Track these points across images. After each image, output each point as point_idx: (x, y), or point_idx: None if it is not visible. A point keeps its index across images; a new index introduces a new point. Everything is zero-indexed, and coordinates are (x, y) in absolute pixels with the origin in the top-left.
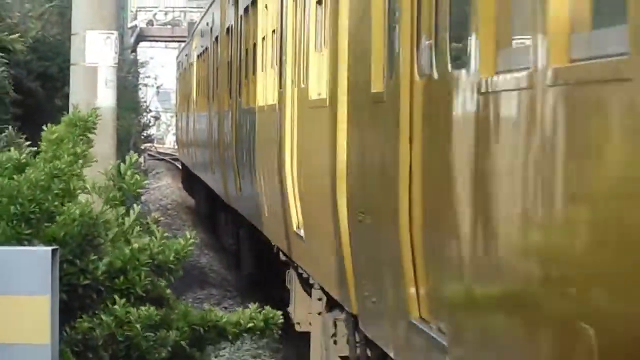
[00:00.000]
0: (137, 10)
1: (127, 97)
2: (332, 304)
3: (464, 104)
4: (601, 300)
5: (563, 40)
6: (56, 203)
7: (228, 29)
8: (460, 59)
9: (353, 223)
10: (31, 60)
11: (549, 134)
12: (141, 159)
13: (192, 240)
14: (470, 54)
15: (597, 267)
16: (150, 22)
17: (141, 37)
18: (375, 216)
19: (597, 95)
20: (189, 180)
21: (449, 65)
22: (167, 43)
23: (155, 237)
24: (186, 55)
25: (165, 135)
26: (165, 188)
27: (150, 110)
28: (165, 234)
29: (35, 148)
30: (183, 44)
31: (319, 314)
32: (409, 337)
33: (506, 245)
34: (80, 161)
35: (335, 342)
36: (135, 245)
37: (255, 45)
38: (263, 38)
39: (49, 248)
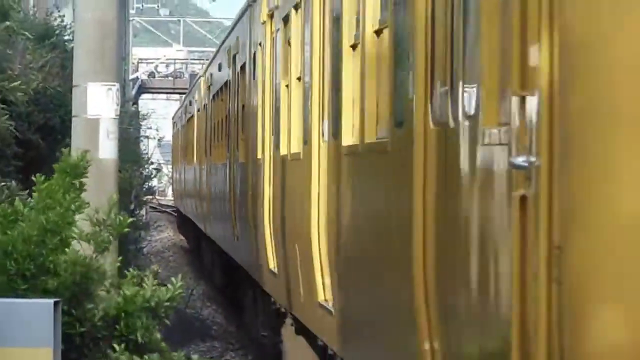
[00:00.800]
0: (138, 62)
1: (128, 149)
2: None
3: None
4: None
5: None
6: (51, 257)
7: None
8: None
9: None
10: (32, 112)
11: None
12: (143, 212)
13: (180, 284)
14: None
15: None
16: (151, 74)
17: (143, 89)
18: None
19: None
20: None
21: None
22: (168, 95)
23: (147, 285)
24: (183, 112)
25: (166, 187)
26: (167, 240)
27: (152, 162)
28: (156, 281)
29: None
30: (175, 110)
31: None
32: None
33: None
34: (73, 207)
35: None
36: (128, 292)
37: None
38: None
39: (51, 300)
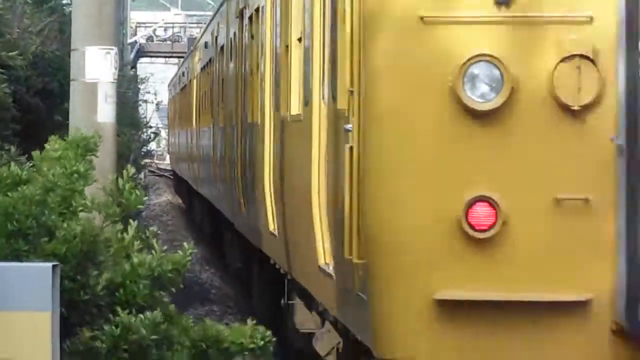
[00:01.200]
0: (136, 26)
1: (127, 113)
2: None
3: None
4: None
5: None
6: (53, 217)
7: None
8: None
9: None
10: (31, 76)
11: None
12: (141, 175)
13: (190, 251)
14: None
15: None
16: (150, 38)
17: (141, 52)
18: None
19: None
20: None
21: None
22: (167, 59)
23: (155, 252)
24: (177, 81)
25: (165, 151)
26: (165, 204)
27: (150, 126)
28: (164, 248)
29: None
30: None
31: None
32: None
33: None
34: (82, 180)
35: None
36: (135, 260)
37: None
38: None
39: (50, 264)
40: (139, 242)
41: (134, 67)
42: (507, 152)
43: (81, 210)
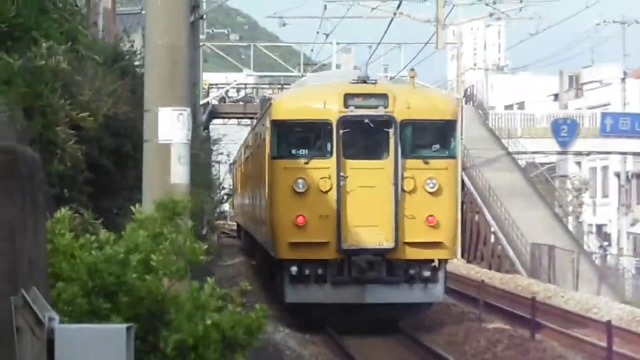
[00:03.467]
0: (209, 88)
1: (199, 174)
2: None
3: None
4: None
5: None
6: (134, 276)
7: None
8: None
9: None
10: (103, 137)
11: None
12: (214, 237)
13: (262, 313)
14: None
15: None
16: (222, 99)
17: (213, 114)
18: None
19: None
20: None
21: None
22: (239, 120)
23: (229, 311)
24: (237, 157)
25: None
26: (239, 265)
27: (224, 187)
28: (238, 309)
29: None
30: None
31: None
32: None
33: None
34: (167, 243)
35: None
36: (209, 322)
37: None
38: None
39: (124, 325)
40: (218, 299)
41: (206, 128)
42: None
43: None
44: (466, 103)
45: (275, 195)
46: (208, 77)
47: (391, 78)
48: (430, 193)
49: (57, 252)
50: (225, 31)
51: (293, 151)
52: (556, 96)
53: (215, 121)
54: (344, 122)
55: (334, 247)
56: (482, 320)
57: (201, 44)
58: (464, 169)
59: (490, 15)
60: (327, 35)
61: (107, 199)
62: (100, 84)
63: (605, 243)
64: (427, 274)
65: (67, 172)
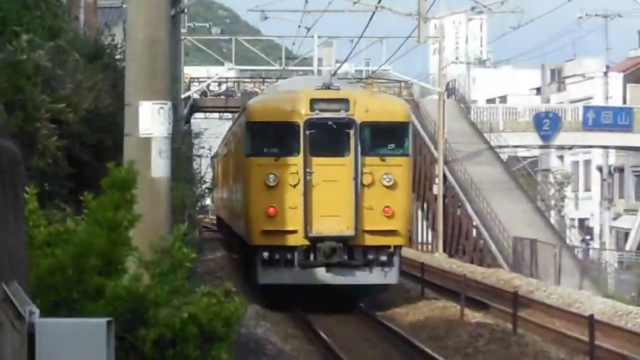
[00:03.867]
0: (190, 81)
1: (181, 167)
2: None
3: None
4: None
5: None
6: (94, 279)
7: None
8: None
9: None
10: (84, 132)
11: None
12: (196, 232)
13: (240, 304)
14: None
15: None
16: (204, 93)
17: (195, 107)
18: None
19: None
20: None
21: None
22: (221, 113)
23: (207, 303)
24: (218, 151)
25: None
26: (220, 259)
27: (205, 182)
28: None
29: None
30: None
31: None
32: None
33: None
34: (125, 224)
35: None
36: (185, 315)
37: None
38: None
39: (104, 320)
40: (199, 295)
41: (188, 122)
42: None
43: (124, 259)
44: (448, 97)
45: (250, 189)
46: (189, 71)
47: (373, 72)
48: (386, 187)
49: (31, 246)
50: (207, 25)
51: (265, 149)
52: (538, 90)
53: (196, 115)
54: (310, 123)
55: (301, 234)
56: (464, 314)
57: (182, 37)
58: (445, 162)
59: (472, 8)
60: (309, 29)
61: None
62: (82, 78)
63: (588, 237)
64: (383, 258)
65: (48, 167)
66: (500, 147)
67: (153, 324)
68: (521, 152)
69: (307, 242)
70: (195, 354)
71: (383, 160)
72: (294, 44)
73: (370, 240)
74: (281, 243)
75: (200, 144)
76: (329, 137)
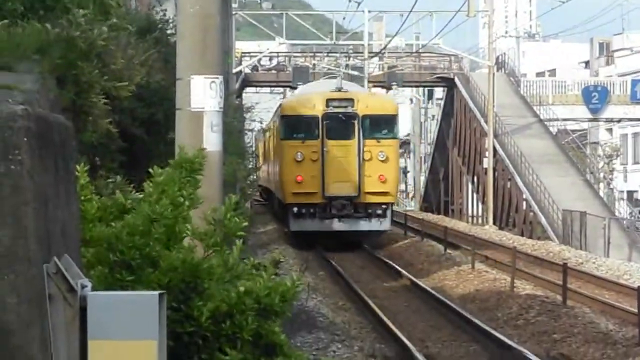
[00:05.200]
0: (241, 56)
1: (232, 141)
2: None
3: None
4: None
5: None
6: (158, 248)
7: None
8: None
9: None
10: (136, 107)
11: None
12: (247, 204)
13: (298, 282)
14: None
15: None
16: (255, 68)
17: (246, 82)
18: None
19: None
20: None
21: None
22: (272, 88)
23: (263, 279)
24: (258, 134)
25: None
26: (272, 232)
27: (257, 155)
28: (272, 277)
29: (141, 192)
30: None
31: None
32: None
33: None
34: (187, 203)
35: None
36: (242, 289)
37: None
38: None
39: (156, 292)
40: (251, 268)
41: (239, 96)
42: None
43: (184, 237)
44: (498, 70)
45: (283, 163)
46: (241, 46)
47: (423, 46)
48: (381, 161)
49: (84, 219)
50: (258, 0)
51: (294, 135)
52: (587, 63)
53: (248, 89)
54: (326, 116)
55: (320, 195)
56: (514, 286)
57: (234, 12)
58: (495, 136)
59: None
60: (359, 4)
61: (140, 167)
62: (133, 53)
63: (637, 209)
64: (379, 212)
65: (100, 141)
66: (550, 120)
67: (209, 296)
68: (570, 125)
69: (324, 201)
70: (252, 327)
71: (378, 142)
72: (344, 18)
73: (369, 199)
74: (306, 201)
75: (251, 118)
76: (340, 125)
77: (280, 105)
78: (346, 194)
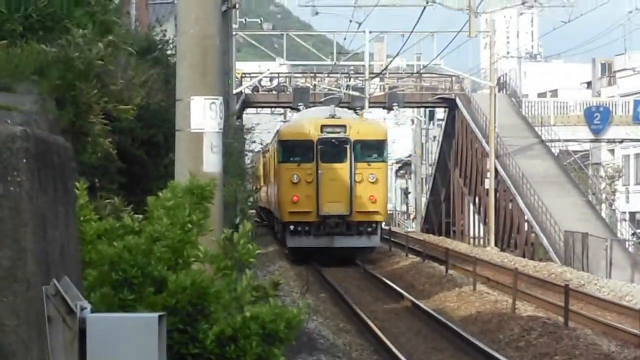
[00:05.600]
0: (242, 77)
1: (233, 163)
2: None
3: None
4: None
5: None
6: (159, 267)
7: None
8: None
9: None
10: (135, 127)
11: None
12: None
13: (304, 310)
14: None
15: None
16: (255, 88)
17: (247, 103)
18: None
19: None
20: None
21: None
22: (272, 109)
23: (270, 305)
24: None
25: None
26: (272, 254)
27: (257, 177)
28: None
29: (141, 215)
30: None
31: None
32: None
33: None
34: (196, 230)
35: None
36: (248, 314)
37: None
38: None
39: (156, 314)
40: (253, 292)
41: (239, 117)
42: None
43: (194, 261)
44: (499, 91)
45: (281, 184)
46: (241, 67)
47: (424, 66)
48: (371, 182)
49: (83, 240)
50: (258, 20)
51: (291, 158)
52: (589, 84)
53: (248, 110)
54: (320, 141)
55: (315, 214)
56: (516, 308)
57: (234, 33)
58: (497, 157)
59: (523, 3)
60: (360, 24)
61: (140, 189)
62: (133, 74)
63: (639, 230)
64: (369, 229)
65: (99, 162)
66: (551, 141)
67: (214, 320)
68: (572, 146)
69: (318, 219)
70: (256, 351)
71: (369, 165)
72: (345, 39)
73: (360, 217)
74: (302, 219)
75: (252, 139)
76: (333, 150)
77: (278, 130)
78: (339, 213)
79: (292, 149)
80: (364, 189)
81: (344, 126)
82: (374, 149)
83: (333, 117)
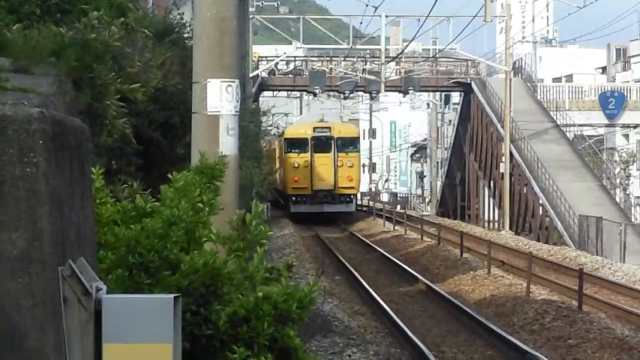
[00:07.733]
0: (258, 60)
1: (249, 145)
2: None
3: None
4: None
5: None
6: (175, 251)
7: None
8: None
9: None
10: (152, 110)
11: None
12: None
13: (315, 288)
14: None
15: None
16: (272, 72)
17: (263, 86)
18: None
19: None
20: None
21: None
22: (289, 92)
23: (282, 285)
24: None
25: None
26: (288, 237)
27: (272, 158)
28: (290, 283)
29: (157, 197)
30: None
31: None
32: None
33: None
34: (207, 209)
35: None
36: (260, 294)
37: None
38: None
39: (171, 295)
40: (265, 272)
41: (256, 100)
42: None
43: (205, 241)
44: (515, 76)
45: (286, 168)
46: (258, 50)
47: (439, 51)
48: (349, 167)
49: (99, 222)
50: (275, 4)
51: (292, 150)
52: (604, 69)
53: (265, 93)
54: (313, 138)
55: (310, 188)
56: (530, 291)
57: (251, 16)
58: (512, 141)
59: None
60: (376, 8)
61: (156, 171)
62: (150, 56)
63: None
64: (348, 200)
65: (116, 144)
66: (566, 125)
67: (227, 301)
68: (587, 131)
69: (312, 192)
70: (268, 332)
71: (347, 154)
72: (361, 22)
73: (341, 191)
74: (301, 193)
75: (268, 122)
76: (322, 144)
77: (283, 131)
78: (326, 188)
79: (293, 144)
80: (344, 171)
81: (329, 127)
82: (350, 143)
83: (322, 121)
